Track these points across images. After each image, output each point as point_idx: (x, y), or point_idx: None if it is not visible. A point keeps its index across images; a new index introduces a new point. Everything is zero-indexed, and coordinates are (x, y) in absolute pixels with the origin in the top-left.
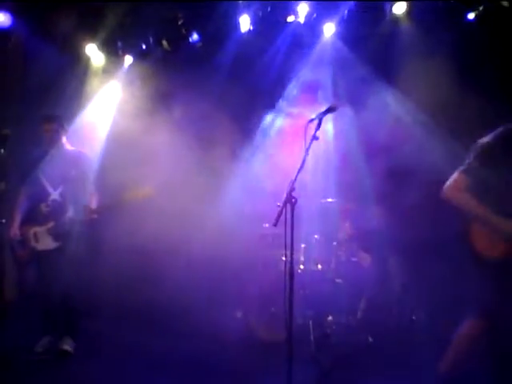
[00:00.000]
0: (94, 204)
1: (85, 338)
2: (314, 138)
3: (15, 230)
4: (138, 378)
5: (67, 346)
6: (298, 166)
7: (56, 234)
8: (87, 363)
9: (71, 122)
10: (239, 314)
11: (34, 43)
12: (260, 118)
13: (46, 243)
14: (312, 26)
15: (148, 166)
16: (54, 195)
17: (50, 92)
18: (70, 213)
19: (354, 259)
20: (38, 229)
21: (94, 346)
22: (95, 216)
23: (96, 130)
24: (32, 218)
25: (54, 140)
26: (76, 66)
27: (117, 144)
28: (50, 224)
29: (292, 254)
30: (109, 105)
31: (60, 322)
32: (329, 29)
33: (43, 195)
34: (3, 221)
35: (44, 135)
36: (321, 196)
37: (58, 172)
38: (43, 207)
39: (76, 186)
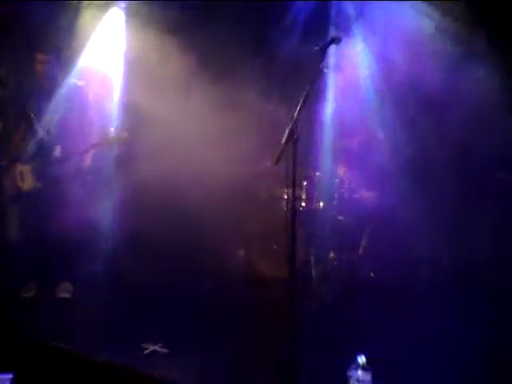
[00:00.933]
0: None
1: (85, 280)
2: (320, 71)
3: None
4: (139, 317)
5: (65, 292)
6: (301, 99)
7: (39, 174)
8: (86, 306)
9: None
10: (241, 253)
11: None
12: None
13: (31, 183)
14: None
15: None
16: (41, 133)
17: (43, 33)
18: (57, 152)
19: (356, 196)
20: (23, 167)
21: (94, 287)
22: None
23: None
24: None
25: (47, 72)
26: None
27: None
28: (36, 163)
29: (294, 191)
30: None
31: (54, 267)
32: None
33: (30, 133)
34: (3, 163)
35: (37, 67)
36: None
37: (48, 107)
38: (30, 145)
39: (67, 123)
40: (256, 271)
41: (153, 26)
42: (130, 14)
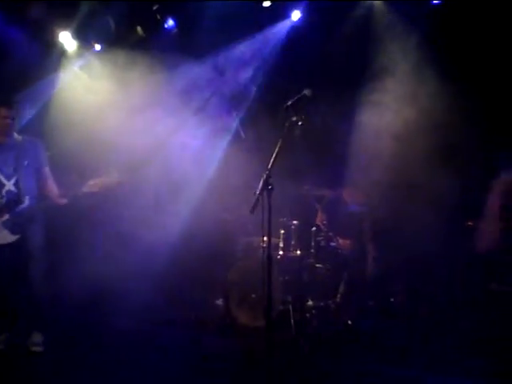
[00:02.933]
0: (56, 191)
1: (54, 330)
2: (291, 124)
3: None
4: (114, 367)
5: (36, 346)
6: (274, 152)
7: (12, 227)
8: (58, 355)
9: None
10: (220, 301)
11: (5, 29)
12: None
13: (3, 237)
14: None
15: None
16: (9, 186)
17: (22, 79)
18: (26, 203)
19: (332, 244)
20: None
21: (64, 336)
22: (63, 202)
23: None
24: None
25: (11, 128)
26: (49, 53)
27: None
28: (5, 217)
29: (270, 240)
30: (80, 92)
31: (25, 317)
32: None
33: None
34: None
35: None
36: (299, 183)
37: (12, 162)
38: None
39: (31, 175)
40: (234, 320)
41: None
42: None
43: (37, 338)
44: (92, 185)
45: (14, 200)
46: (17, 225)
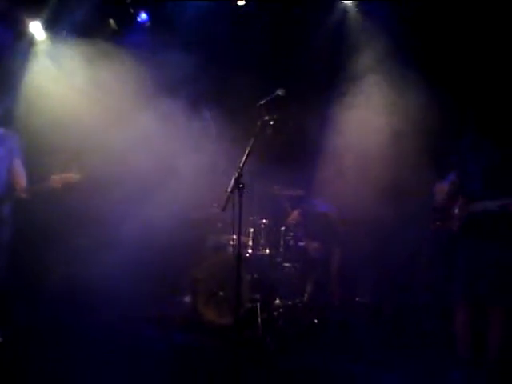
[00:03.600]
0: (23, 183)
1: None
2: (263, 123)
3: None
4: (79, 364)
5: None
6: (246, 151)
7: None
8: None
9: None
10: (187, 298)
11: None
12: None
13: None
14: None
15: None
16: None
17: None
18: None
19: (301, 244)
20: None
21: (29, 331)
22: (24, 195)
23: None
24: None
25: None
26: (18, 44)
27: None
28: None
29: (239, 238)
30: (50, 84)
31: None
32: None
33: None
34: None
35: None
36: (270, 182)
37: None
38: None
39: (3, 166)
40: (201, 317)
41: None
42: None
43: None
44: (55, 180)
45: None
46: None
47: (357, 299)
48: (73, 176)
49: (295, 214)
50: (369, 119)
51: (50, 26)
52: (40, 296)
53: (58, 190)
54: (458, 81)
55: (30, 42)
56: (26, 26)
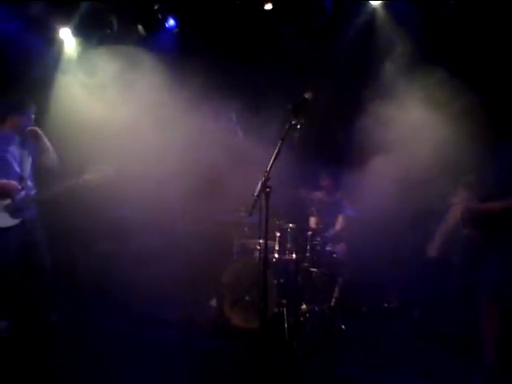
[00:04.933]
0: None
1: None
2: (290, 127)
3: None
4: (107, 368)
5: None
6: (273, 155)
7: (12, 211)
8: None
9: (42, 108)
10: (213, 303)
11: (5, 26)
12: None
13: (4, 221)
14: None
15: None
16: (17, 173)
17: (20, 76)
18: (27, 191)
19: (328, 248)
20: None
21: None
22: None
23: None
24: None
25: (24, 129)
26: (49, 50)
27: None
28: (7, 201)
29: (266, 242)
30: (80, 91)
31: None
32: None
33: (7, 172)
34: None
35: (15, 124)
36: (295, 186)
37: (20, 150)
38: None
39: (32, 164)
40: (227, 322)
41: None
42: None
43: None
44: (89, 178)
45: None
46: (17, 210)
47: (385, 305)
48: (108, 169)
49: (317, 218)
50: (400, 122)
51: (80, 33)
52: (66, 295)
53: (87, 189)
54: (492, 84)
55: (60, 48)
56: (56, 33)
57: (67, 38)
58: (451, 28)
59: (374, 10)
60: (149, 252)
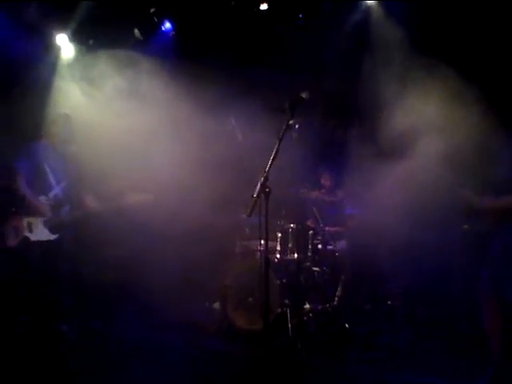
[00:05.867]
0: (90, 202)
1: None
2: (288, 126)
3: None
4: (112, 371)
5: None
6: (272, 155)
7: (51, 227)
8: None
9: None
10: (217, 305)
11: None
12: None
13: (42, 234)
14: None
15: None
16: (57, 189)
17: (17, 81)
18: (67, 208)
19: (330, 247)
20: (32, 220)
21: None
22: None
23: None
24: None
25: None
26: (45, 56)
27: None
28: (48, 217)
29: (267, 243)
30: (78, 96)
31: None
32: None
33: (46, 188)
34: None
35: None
36: (296, 186)
37: (62, 167)
38: (43, 199)
39: (75, 183)
40: (231, 324)
41: None
42: None
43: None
44: (131, 201)
45: (58, 203)
46: (56, 225)
47: (388, 303)
48: (148, 196)
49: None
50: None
51: (77, 38)
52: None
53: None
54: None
55: (57, 54)
56: (53, 39)
57: (64, 43)
58: (446, 24)
59: (368, 8)
60: (150, 255)
